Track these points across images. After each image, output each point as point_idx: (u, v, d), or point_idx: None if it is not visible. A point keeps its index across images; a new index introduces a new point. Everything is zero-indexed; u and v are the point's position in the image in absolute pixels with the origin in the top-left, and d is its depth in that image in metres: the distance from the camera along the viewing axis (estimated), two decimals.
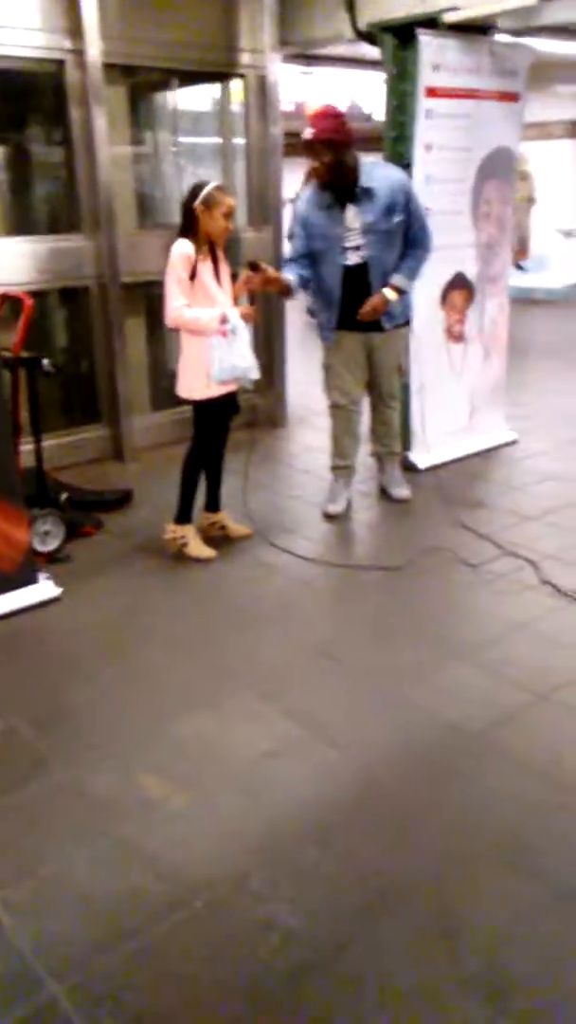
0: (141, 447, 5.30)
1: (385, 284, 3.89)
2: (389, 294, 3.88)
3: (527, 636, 3.14)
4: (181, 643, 3.19)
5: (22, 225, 4.93)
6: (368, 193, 3.78)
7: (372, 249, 3.84)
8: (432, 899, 2.00)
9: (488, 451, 5.25)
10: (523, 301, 9.53)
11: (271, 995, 1.77)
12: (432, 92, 4.40)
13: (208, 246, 3.56)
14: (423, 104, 4.39)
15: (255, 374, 3.69)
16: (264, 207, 5.40)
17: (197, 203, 3.47)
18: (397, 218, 3.81)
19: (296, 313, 6.09)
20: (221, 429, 3.88)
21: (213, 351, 3.56)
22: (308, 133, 3.69)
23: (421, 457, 4.90)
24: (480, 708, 2.71)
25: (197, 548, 3.86)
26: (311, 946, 1.87)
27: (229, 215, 3.51)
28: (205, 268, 3.55)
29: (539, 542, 3.90)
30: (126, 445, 5.23)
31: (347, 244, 3.85)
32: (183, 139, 5.19)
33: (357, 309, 3.90)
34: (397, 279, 3.90)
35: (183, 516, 3.87)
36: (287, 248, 4.03)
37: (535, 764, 2.45)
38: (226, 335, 3.55)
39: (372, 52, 6.33)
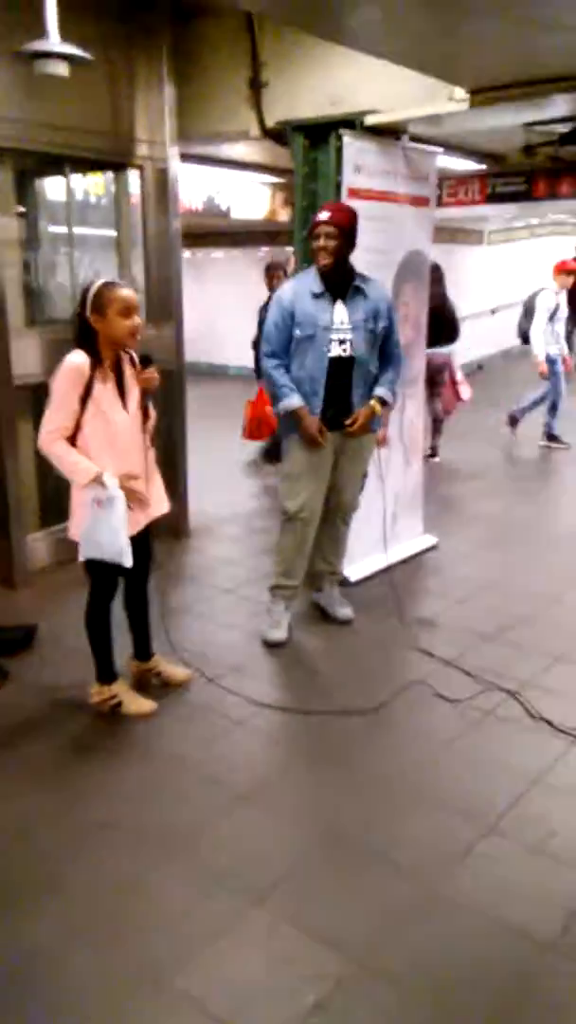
0: (33, 569, 4.60)
1: (366, 385, 3.71)
2: (376, 406, 3.71)
3: (548, 793, 2.76)
4: (146, 840, 2.55)
5: None
6: (359, 292, 3.65)
7: (359, 347, 3.63)
8: None
9: (412, 558, 4.99)
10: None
11: None
12: (354, 193, 4.21)
13: (113, 359, 2.94)
14: None
15: (128, 561, 2.89)
16: (166, 302, 4.99)
17: (87, 311, 2.83)
18: (382, 323, 3.69)
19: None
20: (138, 572, 3.15)
21: (85, 511, 2.90)
22: (324, 215, 3.56)
23: (351, 569, 4.55)
24: (540, 903, 2.28)
25: (133, 704, 3.24)
26: None
27: (129, 312, 2.85)
28: (105, 389, 2.89)
29: (509, 667, 3.60)
30: (16, 567, 4.51)
31: (333, 336, 3.59)
32: (77, 229, 4.71)
33: (335, 406, 3.64)
34: (383, 392, 3.75)
35: (105, 675, 3.23)
36: (265, 345, 3.67)
37: None
38: (100, 504, 2.84)
39: (230, 152, 6.21)
